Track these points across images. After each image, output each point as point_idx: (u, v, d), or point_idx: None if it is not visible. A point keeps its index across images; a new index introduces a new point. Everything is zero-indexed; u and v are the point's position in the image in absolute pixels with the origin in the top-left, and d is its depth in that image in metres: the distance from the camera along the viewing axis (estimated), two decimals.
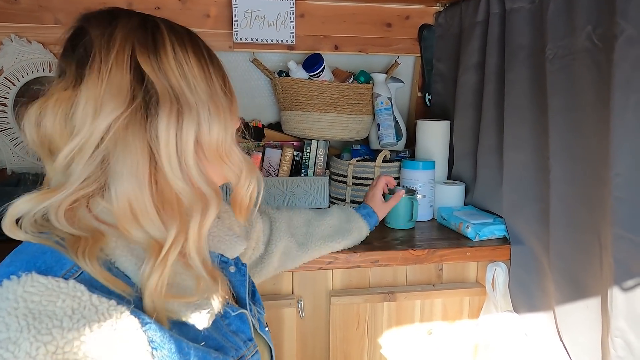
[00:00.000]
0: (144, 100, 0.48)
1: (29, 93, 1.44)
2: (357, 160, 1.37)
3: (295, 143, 1.52)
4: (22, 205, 0.45)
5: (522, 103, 1.07)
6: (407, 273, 1.14)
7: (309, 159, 1.47)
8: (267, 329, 0.67)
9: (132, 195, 0.47)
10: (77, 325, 0.40)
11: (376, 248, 1.05)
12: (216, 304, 0.52)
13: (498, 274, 1.10)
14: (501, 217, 1.16)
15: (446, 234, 1.17)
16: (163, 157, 0.48)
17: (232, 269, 0.64)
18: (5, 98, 1.36)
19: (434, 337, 1.15)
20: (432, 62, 1.53)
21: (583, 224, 0.91)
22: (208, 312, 0.50)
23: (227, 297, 0.56)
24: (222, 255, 0.64)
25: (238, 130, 0.58)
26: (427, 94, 1.57)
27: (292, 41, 1.42)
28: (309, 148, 1.48)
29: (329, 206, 1.32)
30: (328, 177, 1.43)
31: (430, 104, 1.57)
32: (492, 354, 1.10)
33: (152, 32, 0.51)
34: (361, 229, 1.03)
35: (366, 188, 1.35)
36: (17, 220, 0.46)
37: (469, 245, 1.09)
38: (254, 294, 0.69)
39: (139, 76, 0.48)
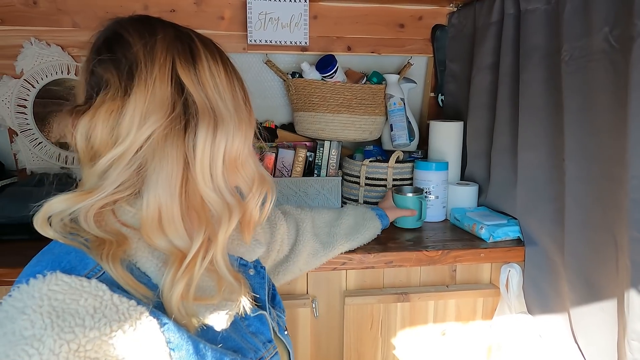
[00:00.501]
0: (183, 111, 0.50)
1: (49, 95, 1.47)
2: (370, 161, 1.37)
3: (308, 144, 1.53)
4: (58, 204, 0.47)
5: (537, 104, 1.06)
6: (421, 274, 1.14)
7: (321, 160, 1.48)
8: (286, 332, 0.68)
9: (163, 203, 0.48)
10: (98, 325, 0.41)
11: (390, 249, 1.06)
12: (239, 305, 0.53)
13: (512, 275, 1.10)
14: (515, 218, 1.16)
15: (460, 235, 1.17)
16: (197, 168, 0.50)
17: (252, 271, 0.65)
18: (25, 100, 1.39)
19: (448, 338, 1.15)
20: (444, 63, 1.53)
21: (598, 225, 0.90)
22: (227, 314, 0.51)
23: (248, 298, 0.56)
24: (241, 258, 0.65)
25: (255, 136, 0.59)
26: (439, 94, 1.57)
27: (306, 42, 1.43)
28: (321, 149, 1.49)
29: (342, 206, 1.33)
30: (341, 178, 1.44)
31: (442, 105, 1.57)
32: (505, 356, 1.10)
33: (188, 44, 0.52)
34: (376, 227, 1.08)
35: (379, 189, 1.35)
36: (48, 218, 0.47)
37: (483, 246, 1.09)
38: (274, 297, 0.70)
39: (179, 88, 0.50)
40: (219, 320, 0.51)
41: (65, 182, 1.44)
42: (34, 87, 1.38)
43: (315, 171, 1.48)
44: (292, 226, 0.95)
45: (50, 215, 0.47)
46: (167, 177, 0.48)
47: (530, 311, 1.09)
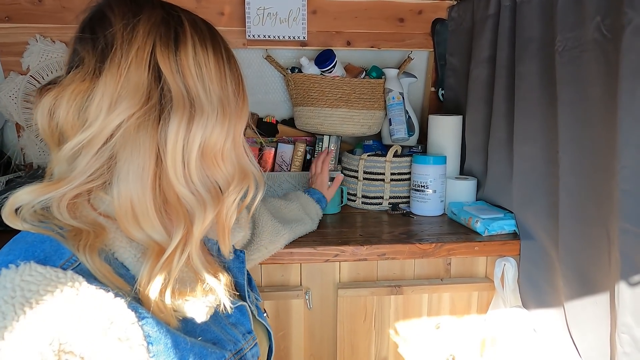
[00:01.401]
0: (159, 101, 0.47)
1: None
2: (368, 155, 1.37)
3: (307, 138, 1.54)
4: (23, 196, 0.45)
5: (532, 96, 1.05)
6: (415, 267, 1.14)
7: None
8: (265, 314, 0.68)
9: (134, 196, 0.46)
10: (73, 318, 0.39)
11: (383, 241, 1.06)
12: (218, 299, 0.52)
13: (507, 269, 1.10)
14: (511, 212, 1.15)
15: (455, 229, 1.17)
16: (169, 161, 0.48)
17: (231, 255, 0.63)
18: (31, 96, 1.42)
19: (442, 331, 1.15)
20: (445, 57, 1.52)
21: (592, 218, 0.89)
22: (207, 306, 0.50)
23: (230, 291, 0.55)
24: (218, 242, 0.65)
25: (245, 128, 0.57)
26: (440, 88, 1.56)
27: (304, 37, 1.44)
28: (320, 143, 1.50)
29: (342, 201, 1.33)
30: (340, 172, 1.44)
31: (443, 99, 1.56)
32: (499, 350, 1.09)
33: (174, 29, 0.49)
34: (318, 213, 1.14)
35: (377, 183, 1.35)
36: (17, 210, 0.46)
37: (478, 240, 1.08)
38: (249, 280, 0.69)
39: (157, 76, 0.47)
40: (199, 313, 0.49)
41: None
42: (39, 83, 1.42)
43: None
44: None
45: (18, 206, 0.45)
46: (137, 169, 0.46)
47: (525, 305, 1.08)
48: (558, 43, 0.94)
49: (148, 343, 0.43)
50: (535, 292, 1.07)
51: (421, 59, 1.58)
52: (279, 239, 0.98)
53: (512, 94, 1.12)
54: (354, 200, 1.38)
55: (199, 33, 0.51)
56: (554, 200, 0.99)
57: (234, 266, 0.65)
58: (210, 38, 0.52)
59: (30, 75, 1.40)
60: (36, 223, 0.46)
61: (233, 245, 0.67)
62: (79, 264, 0.43)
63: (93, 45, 0.47)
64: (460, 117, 1.37)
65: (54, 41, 1.39)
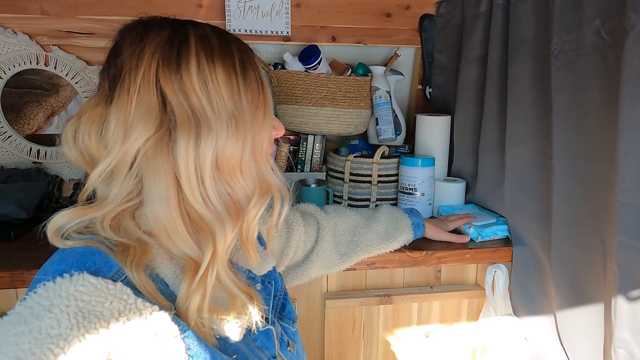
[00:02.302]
0: (168, 123, 0.48)
1: (18, 85, 1.40)
2: (355, 156, 1.33)
3: (291, 137, 1.48)
4: (61, 219, 0.48)
5: (525, 98, 1.02)
6: (405, 275, 1.10)
7: (305, 154, 1.43)
8: (289, 349, 0.64)
9: (163, 216, 0.48)
10: (122, 328, 0.40)
11: None
12: (251, 318, 0.52)
13: (498, 276, 1.07)
14: (503, 217, 1.12)
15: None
16: (184, 180, 0.48)
17: (259, 286, 0.63)
18: None
19: (432, 340, 1.12)
20: (432, 54, 1.47)
21: (586, 226, 0.87)
22: (240, 326, 0.50)
23: (260, 311, 0.55)
24: (249, 271, 0.63)
25: (276, 141, 0.56)
26: (427, 86, 1.52)
27: (288, 32, 1.37)
28: (305, 143, 1.44)
29: (328, 203, 1.29)
30: (325, 173, 1.39)
31: (430, 98, 1.52)
32: (490, 358, 1.07)
33: (177, 47, 0.49)
34: (406, 239, 0.99)
35: (364, 185, 1.31)
36: (59, 231, 0.48)
37: (469, 247, 1.05)
38: (283, 307, 0.68)
39: (163, 98, 0.48)
40: (233, 332, 0.50)
41: (37, 177, 1.37)
42: (0, 79, 1.31)
43: (299, 166, 1.43)
44: (312, 231, 0.90)
45: (59, 227, 0.48)
46: (161, 192, 0.48)
47: (516, 313, 1.06)
48: (554, 45, 0.91)
49: (189, 356, 0.44)
50: (527, 300, 1.05)
51: (408, 56, 1.54)
52: (327, 271, 0.93)
53: (504, 95, 1.09)
54: (340, 203, 1.33)
55: (206, 47, 0.50)
56: (547, 206, 0.96)
57: (263, 296, 0.62)
58: (221, 51, 0.51)
59: None
60: (84, 236, 0.48)
61: (264, 275, 0.65)
62: (125, 277, 0.45)
63: (107, 73, 0.50)
64: (449, 117, 1.34)
65: (15, 32, 1.29)
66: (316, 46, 1.34)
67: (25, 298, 0.42)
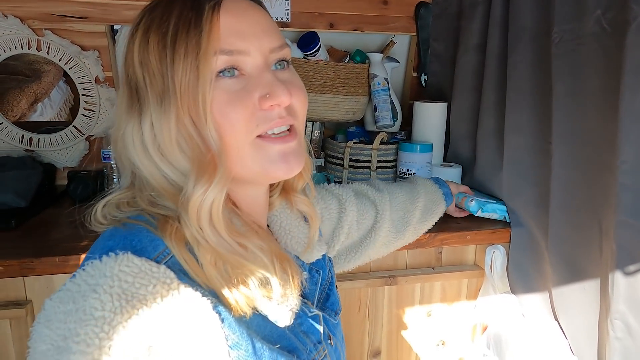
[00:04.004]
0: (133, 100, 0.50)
1: (7, 70, 1.36)
2: (354, 143, 1.35)
3: None
4: (101, 202, 0.49)
5: (524, 86, 1.06)
6: (408, 257, 1.14)
7: None
8: (329, 341, 0.60)
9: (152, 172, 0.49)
10: (164, 316, 0.40)
11: None
12: (299, 304, 0.50)
13: (496, 256, 1.12)
14: (501, 200, 1.17)
15: (445, 218, 1.17)
16: (137, 161, 0.49)
17: (305, 275, 0.58)
18: None
19: (433, 318, 1.16)
20: (428, 42, 1.50)
21: (583, 209, 0.92)
22: (290, 310, 0.49)
23: (303, 295, 0.53)
24: (297, 257, 0.60)
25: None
26: (422, 74, 1.55)
27: (288, 18, 1.37)
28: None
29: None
30: (324, 160, 1.41)
31: (425, 85, 1.55)
32: (490, 335, 1.12)
33: (138, 22, 0.49)
34: (442, 211, 1.02)
35: (363, 171, 1.33)
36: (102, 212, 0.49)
37: (470, 229, 1.10)
38: (328, 297, 0.64)
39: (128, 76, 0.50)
40: (282, 316, 0.48)
41: (31, 165, 1.35)
42: None
43: None
44: (368, 211, 0.85)
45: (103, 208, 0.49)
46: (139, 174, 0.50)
47: (513, 291, 1.12)
48: (554, 34, 0.94)
49: (229, 347, 0.43)
50: (523, 279, 1.10)
51: (403, 43, 1.56)
52: (385, 250, 0.91)
53: (502, 83, 1.12)
54: None
55: (150, 16, 0.48)
56: (544, 190, 1.01)
57: (309, 286, 0.60)
58: (161, 18, 0.47)
59: None
60: (127, 214, 0.48)
61: (312, 264, 0.63)
62: (172, 256, 0.45)
63: None
64: (446, 104, 1.37)
65: (5, 16, 1.24)
66: (315, 33, 1.35)
67: (74, 275, 0.42)
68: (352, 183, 0.94)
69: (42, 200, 1.20)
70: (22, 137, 1.34)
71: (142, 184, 0.50)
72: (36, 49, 1.28)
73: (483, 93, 1.20)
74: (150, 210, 0.48)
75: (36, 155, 1.36)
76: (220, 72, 0.46)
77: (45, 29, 1.27)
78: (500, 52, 1.13)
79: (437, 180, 1.04)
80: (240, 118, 0.47)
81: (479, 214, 1.10)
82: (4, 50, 1.27)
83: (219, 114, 0.46)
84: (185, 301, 0.41)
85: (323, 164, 1.41)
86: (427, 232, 1.06)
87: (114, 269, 0.41)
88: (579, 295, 0.94)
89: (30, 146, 1.35)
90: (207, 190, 0.45)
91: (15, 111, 1.40)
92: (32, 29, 1.26)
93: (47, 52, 1.29)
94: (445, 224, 1.12)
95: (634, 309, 0.80)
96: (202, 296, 0.43)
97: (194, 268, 0.45)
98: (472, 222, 1.14)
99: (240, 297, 0.45)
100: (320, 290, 0.63)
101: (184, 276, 0.44)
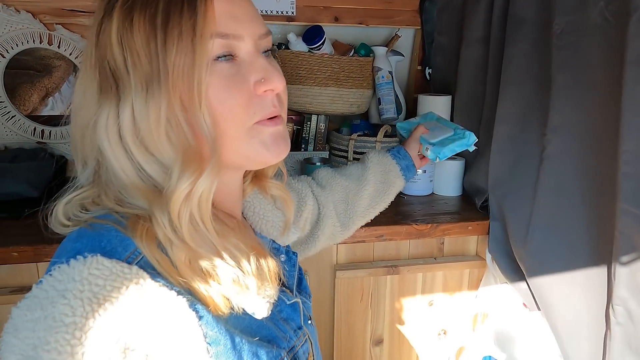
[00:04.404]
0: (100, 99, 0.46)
1: (19, 65, 1.39)
2: (358, 135, 1.36)
3: (294, 117, 1.51)
4: (62, 202, 0.46)
5: (520, 78, 1.06)
6: (410, 247, 1.16)
7: (308, 134, 1.46)
8: (310, 322, 0.62)
9: (125, 191, 0.46)
10: (139, 317, 0.39)
11: (381, 223, 1.05)
12: (277, 294, 0.49)
13: None
14: (462, 127, 0.97)
15: (447, 208, 1.19)
16: (107, 152, 0.45)
17: (283, 257, 0.60)
18: None
19: (435, 308, 1.18)
20: (432, 35, 1.51)
21: (576, 198, 0.93)
22: (267, 301, 0.47)
23: (282, 282, 0.52)
24: (273, 241, 0.61)
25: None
26: (427, 67, 1.55)
27: (293, 12, 1.38)
28: (309, 122, 1.47)
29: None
30: (328, 152, 1.43)
31: (430, 78, 1.56)
32: (490, 324, 1.14)
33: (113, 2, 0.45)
34: (398, 188, 0.91)
35: None
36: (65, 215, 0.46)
37: (472, 220, 1.11)
38: (300, 281, 0.64)
39: (98, 62, 0.46)
40: (260, 308, 0.47)
41: (43, 157, 1.38)
42: (3, 57, 1.30)
43: (303, 145, 1.47)
44: (316, 206, 0.83)
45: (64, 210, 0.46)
46: (110, 164, 0.46)
47: (509, 281, 1.13)
48: (555, 26, 0.95)
49: (207, 344, 0.42)
50: (509, 270, 1.09)
51: (407, 37, 1.57)
52: (331, 242, 0.88)
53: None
54: None
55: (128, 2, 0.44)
56: (529, 181, 1.01)
57: (287, 267, 0.60)
58: (143, 2, 0.44)
59: None
60: (95, 213, 0.45)
61: (287, 246, 0.63)
62: (142, 257, 0.43)
63: None
64: (450, 97, 1.38)
65: (18, 11, 1.27)
66: (320, 26, 1.36)
67: (41, 281, 0.40)
68: (300, 176, 0.89)
69: (54, 190, 1.23)
70: (35, 129, 1.38)
71: (109, 180, 0.46)
72: (47, 43, 1.31)
73: (487, 86, 1.21)
74: (118, 209, 0.45)
75: (48, 147, 1.39)
76: (218, 57, 0.45)
77: (57, 24, 1.30)
78: (500, 44, 1.14)
79: (397, 153, 0.92)
80: (237, 104, 0.46)
81: (437, 161, 0.93)
82: (16, 45, 1.30)
83: (215, 100, 0.44)
84: (160, 301, 0.40)
85: (327, 157, 1.43)
86: (429, 223, 1.08)
87: (83, 272, 0.39)
88: (564, 285, 0.95)
89: (42, 138, 1.38)
90: (195, 180, 0.44)
91: (27, 105, 1.44)
92: (43, 23, 1.30)
93: (58, 47, 1.32)
94: (448, 214, 1.14)
95: (636, 294, 0.81)
96: (178, 295, 0.41)
97: (167, 268, 0.43)
98: (474, 212, 1.15)
99: (217, 296, 0.44)
100: (298, 273, 0.63)
101: (158, 276, 0.42)
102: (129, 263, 0.41)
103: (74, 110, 0.47)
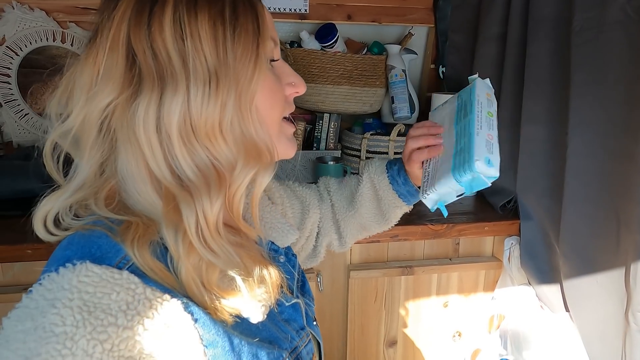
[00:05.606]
0: (134, 85, 0.43)
1: (32, 64, 1.39)
2: (371, 134, 1.35)
3: (306, 116, 1.50)
4: (47, 206, 0.44)
5: (543, 76, 1.05)
6: (425, 247, 1.14)
7: (320, 133, 1.45)
8: (315, 323, 0.62)
9: (138, 192, 0.44)
10: (131, 323, 0.38)
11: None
12: (273, 297, 0.48)
13: (514, 247, 1.11)
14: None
15: (463, 208, 1.17)
16: (145, 148, 0.43)
17: (282, 258, 0.60)
18: (8, 69, 1.31)
19: (450, 309, 1.16)
20: (446, 34, 1.49)
21: (599, 200, 0.91)
22: (262, 305, 0.47)
23: (282, 286, 0.52)
24: (272, 243, 0.61)
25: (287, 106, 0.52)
26: (440, 66, 1.54)
27: (306, 10, 1.37)
28: (321, 121, 1.46)
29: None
30: (340, 152, 1.42)
31: (443, 77, 1.54)
32: (507, 326, 1.12)
33: (150, 1, 0.43)
34: (398, 215, 0.81)
35: None
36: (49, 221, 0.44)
37: (488, 220, 1.09)
38: (303, 284, 0.64)
39: (133, 58, 0.43)
40: (255, 313, 0.46)
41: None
42: (17, 55, 1.30)
43: (315, 144, 1.45)
44: (318, 216, 0.80)
45: (49, 215, 0.44)
46: (129, 165, 0.44)
47: (530, 283, 1.11)
48: (575, 22, 0.93)
49: (204, 346, 0.42)
50: (536, 271, 1.09)
51: (420, 35, 1.55)
52: (333, 249, 0.86)
53: (521, 74, 1.11)
54: None
55: None
56: (558, 181, 1.00)
57: (284, 270, 0.58)
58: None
59: (7, 46, 1.29)
60: (84, 220, 0.44)
61: (287, 248, 0.64)
62: (134, 261, 0.42)
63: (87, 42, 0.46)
64: None
65: (32, 9, 1.28)
66: (333, 24, 1.35)
67: (31, 290, 0.39)
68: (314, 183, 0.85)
69: None
70: (48, 127, 1.38)
71: (112, 175, 0.45)
72: (60, 41, 1.32)
73: (502, 84, 1.19)
74: (108, 215, 0.44)
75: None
76: (272, 60, 0.50)
77: (70, 22, 1.30)
78: (520, 41, 1.12)
79: (395, 177, 0.76)
80: (279, 102, 0.51)
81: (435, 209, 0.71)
82: (30, 43, 1.30)
83: (263, 98, 0.48)
84: (153, 305, 0.39)
85: (340, 156, 1.41)
86: (444, 223, 1.07)
87: (72, 280, 0.38)
88: (592, 288, 0.93)
89: None
90: (251, 177, 0.46)
91: (39, 104, 1.44)
92: (56, 21, 1.30)
93: (71, 44, 1.32)
94: (463, 214, 1.12)
95: None
96: (172, 297, 0.41)
97: (161, 273, 0.42)
98: (490, 213, 1.14)
99: (219, 305, 0.44)
100: (298, 274, 0.63)
101: (150, 280, 0.41)
102: (120, 268, 0.40)
103: (81, 92, 0.44)
